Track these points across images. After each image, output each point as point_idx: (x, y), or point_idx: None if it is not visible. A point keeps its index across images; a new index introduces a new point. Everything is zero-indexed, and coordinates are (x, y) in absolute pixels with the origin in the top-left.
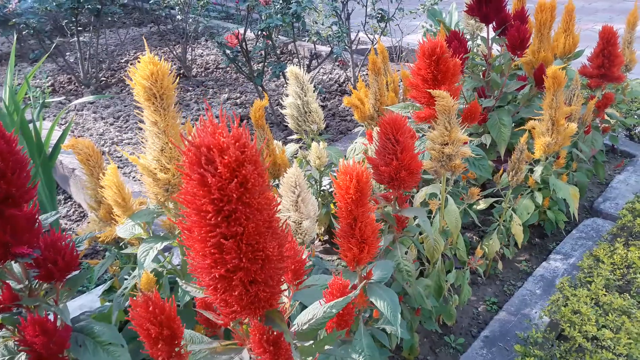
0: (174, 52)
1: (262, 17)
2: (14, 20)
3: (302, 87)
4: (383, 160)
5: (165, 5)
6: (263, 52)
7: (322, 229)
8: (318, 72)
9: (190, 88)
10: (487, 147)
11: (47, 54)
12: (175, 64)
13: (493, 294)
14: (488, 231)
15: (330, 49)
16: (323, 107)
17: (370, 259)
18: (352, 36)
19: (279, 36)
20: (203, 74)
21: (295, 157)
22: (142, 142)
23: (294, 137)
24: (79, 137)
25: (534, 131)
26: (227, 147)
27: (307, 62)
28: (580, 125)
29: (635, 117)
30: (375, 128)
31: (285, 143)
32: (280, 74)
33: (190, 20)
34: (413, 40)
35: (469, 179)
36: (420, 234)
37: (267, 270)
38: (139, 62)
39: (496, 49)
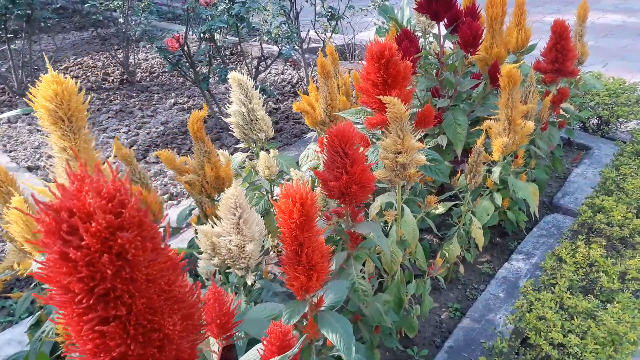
0: (117, 57)
1: (205, 18)
2: None
3: (247, 94)
4: (332, 175)
5: (104, 8)
6: (208, 55)
7: (276, 240)
8: (269, 72)
9: (134, 94)
10: (444, 148)
11: None
12: (118, 69)
13: (456, 300)
14: (447, 235)
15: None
16: (276, 109)
17: (319, 286)
18: (303, 35)
19: (227, 37)
20: (148, 79)
21: (244, 168)
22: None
23: (241, 145)
24: (11, 151)
25: (491, 131)
26: (95, 210)
27: (256, 64)
28: (537, 122)
29: (589, 109)
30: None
31: (235, 151)
32: (227, 78)
33: (133, 23)
34: (366, 37)
35: (427, 182)
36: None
37: (169, 351)
38: (79, 68)
39: (449, 46)
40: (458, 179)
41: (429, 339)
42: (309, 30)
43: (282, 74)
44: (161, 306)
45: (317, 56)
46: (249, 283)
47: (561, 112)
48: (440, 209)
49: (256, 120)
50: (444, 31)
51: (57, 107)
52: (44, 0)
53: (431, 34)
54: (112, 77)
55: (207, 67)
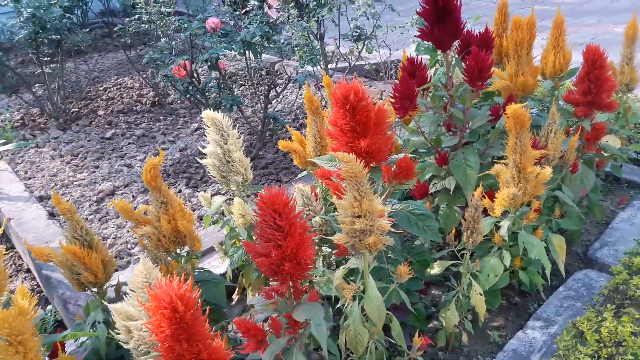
0: (148, 79)
1: (209, 45)
2: None
3: (222, 134)
4: (263, 249)
5: (134, 30)
6: (217, 82)
7: (257, 295)
8: (301, 93)
9: (162, 117)
10: (452, 192)
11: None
12: (153, 91)
13: None
14: (445, 300)
15: (312, 68)
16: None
17: None
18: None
19: (261, 56)
20: (179, 101)
21: (222, 214)
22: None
23: (223, 188)
24: (30, 178)
25: (500, 178)
26: None
27: (266, 91)
28: (564, 165)
29: None
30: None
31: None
32: (232, 107)
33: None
34: (407, 54)
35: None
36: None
37: None
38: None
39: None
40: (455, 237)
41: None
42: (334, 52)
43: (316, 94)
44: None
45: (344, 75)
46: None
47: (600, 149)
48: (436, 269)
49: (232, 162)
50: (454, 60)
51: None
52: (87, 21)
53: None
54: (145, 99)
55: (219, 93)
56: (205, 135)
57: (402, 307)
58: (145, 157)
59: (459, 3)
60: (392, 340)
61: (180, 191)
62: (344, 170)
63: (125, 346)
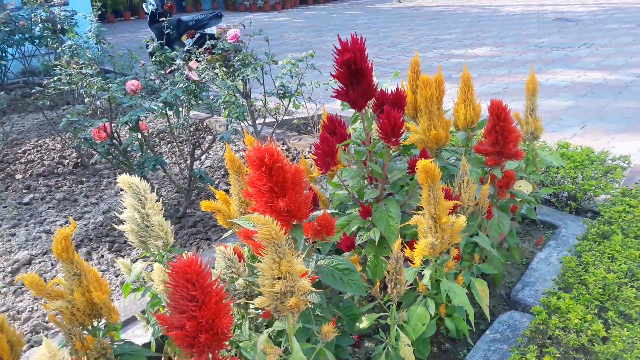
0: (68, 141)
1: (128, 107)
2: None
3: (139, 198)
4: (176, 320)
5: (53, 91)
6: (139, 143)
7: None
8: (232, 148)
9: (85, 179)
10: (377, 243)
11: None
12: (75, 152)
13: None
14: (374, 355)
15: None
16: (226, 191)
17: None
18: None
19: (189, 113)
20: (104, 161)
21: (141, 281)
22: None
23: (144, 252)
24: None
25: (419, 229)
26: None
27: (190, 150)
28: (478, 213)
29: (554, 184)
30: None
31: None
32: (157, 168)
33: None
34: (332, 108)
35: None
36: None
37: None
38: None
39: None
40: (380, 288)
41: None
42: (261, 108)
43: (243, 151)
44: None
45: (273, 130)
46: None
47: (512, 195)
48: (365, 323)
49: (151, 226)
50: (369, 117)
51: None
52: (7, 81)
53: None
54: (68, 160)
55: (140, 155)
56: None
57: None
58: (66, 222)
59: (370, 65)
60: None
61: (102, 256)
62: (261, 232)
63: None
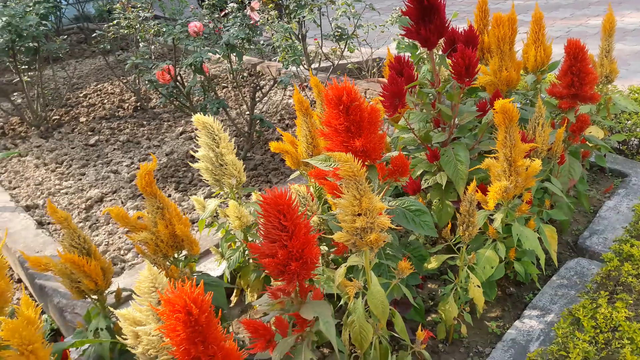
0: (129, 84)
1: (192, 49)
2: None
3: (214, 137)
4: (268, 249)
5: (112, 35)
6: (201, 86)
7: (255, 296)
8: (285, 94)
9: (145, 122)
10: (444, 187)
11: None
12: (134, 96)
13: None
14: (443, 294)
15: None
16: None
17: None
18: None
19: (242, 59)
20: (162, 105)
21: (217, 216)
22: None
23: (215, 191)
24: (14, 188)
25: (491, 172)
26: None
27: (251, 93)
28: (552, 157)
29: (626, 130)
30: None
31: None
32: (219, 111)
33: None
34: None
35: None
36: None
37: None
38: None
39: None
40: (451, 230)
41: None
42: (316, 52)
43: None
44: None
45: (328, 75)
46: None
47: (585, 140)
48: (434, 264)
49: (225, 165)
50: (438, 58)
51: None
52: (62, 27)
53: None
54: (127, 104)
55: (204, 97)
56: (191, 139)
57: (402, 302)
58: (131, 163)
59: (443, 1)
60: (394, 335)
61: (169, 196)
62: (343, 169)
63: (133, 351)
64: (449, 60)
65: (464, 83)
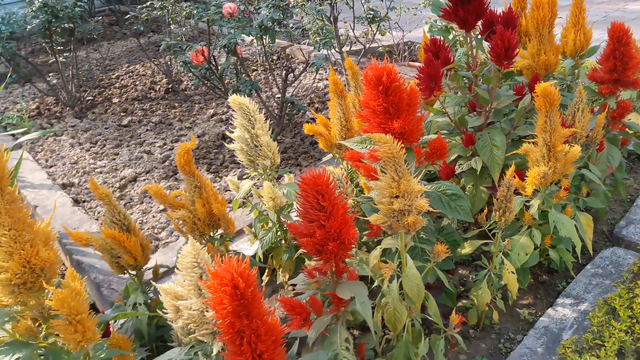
0: (162, 66)
1: (226, 31)
2: None
3: (249, 119)
4: (306, 229)
5: (145, 17)
6: (234, 68)
7: (287, 276)
8: (314, 77)
9: (177, 104)
10: (478, 172)
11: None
12: (166, 78)
13: (486, 352)
14: (476, 279)
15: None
16: (314, 119)
17: None
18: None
19: (273, 41)
20: (193, 87)
21: (250, 197)
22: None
23: (248, 172)
24: (51, 166)
25: (529, 157)
26: None
27: (284, 76)
28: (591, 144)
29: None
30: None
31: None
32: (251, 93)
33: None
34: (420, 36)
35: None
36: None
37: None
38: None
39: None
40: (486, 216)
41: None
42: (348, 34)
43: (326, 80)
44: None
45: (359, 58)
46: (215, 351)
47: (624, 127)
48: (468, 249)
49: (260, 146)
50: (476, 40)
51: None
52: (94, 9)
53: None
54: (159, 86)
55: (235, 79)
56: (222, 121)
57: (434, 286)
58: (164, 144)
59: None
60: (426, 319)
61: None
62: (382, 151)
63: (173, 325)
64: (486, 44)
65: (502, 66)
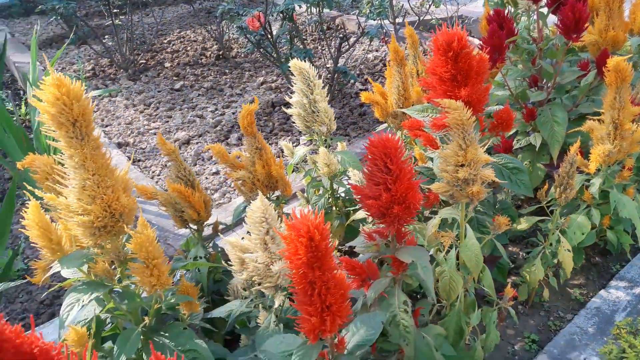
0: (212, 33)
1: None
2: (39, 7)
3: (309, 84)
4: (372, 191)
5: None
6: (289, 35)
7: (337, 242)
8: (363, 49)
9: (227, 71)
10: (537, 148)
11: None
12: (216, 44)
13: (535, 329)
14: (530, 255)
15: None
16: (364, 90)
17: (335, 330)
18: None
19: (323, 10)
20: (242, 55)
21: (305, 162)
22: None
23: (303, 138)
24: (106, 126)
25: (593, 134)
26: None
27: (337, 44)
28: None
29: None
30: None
31: (300, 143)
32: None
33: None
34: (477, 9)
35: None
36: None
37: None
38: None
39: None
40: (546, 192)
41: None
42: (402, 5)
43: (376, 51)
44: None
45: (417, 30)
46: (277, 304)
47: None
48: (523, 225)
49: (317, 112)
50: (544, 12)
51: (58, 112)
52: None
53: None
54: (210, 52)
55: (289, 46)
56: (271, 89)
57: (487, 259)
58: (215, 109)
59: None
60: (477, 290)
61: None
62: (451, 117)
63: (237, 276)
64: (550, 19)
65: (571, 39)
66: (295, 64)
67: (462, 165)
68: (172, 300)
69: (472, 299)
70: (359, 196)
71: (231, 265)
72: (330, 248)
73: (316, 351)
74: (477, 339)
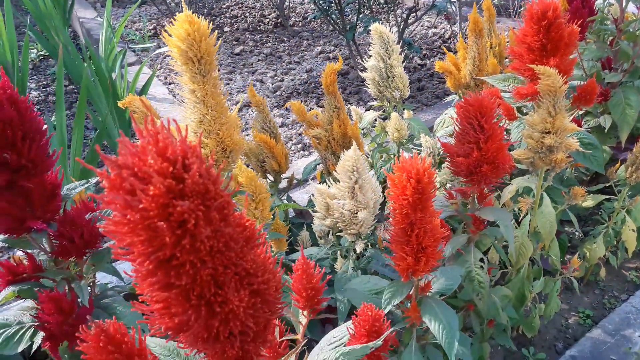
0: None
1: None
2: None
3: (387, 49)
4: (462, 150)
5: None
6: (357, 3)
7: None
8: (421, 25)
9: (285, 39)
10: (606, 130)
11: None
12: (274, 12)
13: (589, 305)
14: (592, 233)
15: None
16: (422, 65)
17: (427, 270)
18: None
19: None
20: (300, 24)
21: (374, 127)
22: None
23: (374, 103)
24: (170, 84)
25: None
26: (153, 173)
27: (405, 16)
28: None
29: None
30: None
31: (369, 108)
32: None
33: None
34: None
35: (578, 167)
36: None
37: (234, 326)
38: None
39: (634, 11)
40: (616, 170)
41: (550, 342)
42: None
43: (435, 27)
44: (228, 280)
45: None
46: (358, 250)
47: None
48: (589, 202)
49: (393, 77)
50: None
51: (188, 47)
52: None
53: None
54: (268, 20)
55: (356, 15)
56: (329, 59)
57: None
58: (274, 75)
59: None
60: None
61: (311, 109)
62: (543, 84)
63: (323, 222)
64: (631, 7)
65: None
66: (376, 27)
67: (549, 133)
68: (267, 237)
69: (540, 267)
70: (449, 154)
71: (316, 212)
72: (432, 195)
73: (407, 289)
74: (536, 307)
